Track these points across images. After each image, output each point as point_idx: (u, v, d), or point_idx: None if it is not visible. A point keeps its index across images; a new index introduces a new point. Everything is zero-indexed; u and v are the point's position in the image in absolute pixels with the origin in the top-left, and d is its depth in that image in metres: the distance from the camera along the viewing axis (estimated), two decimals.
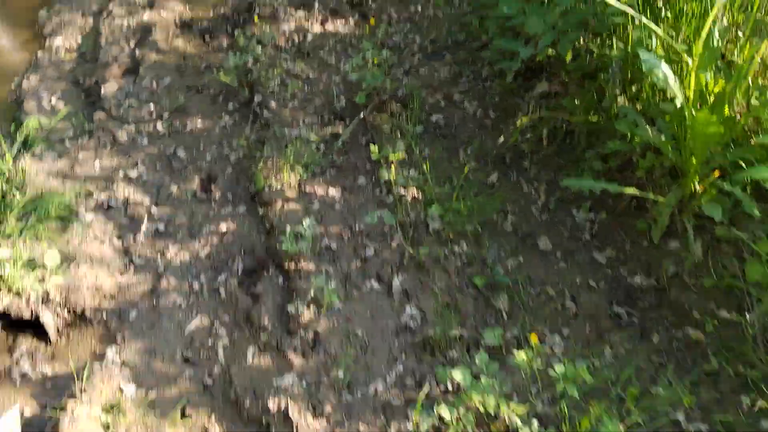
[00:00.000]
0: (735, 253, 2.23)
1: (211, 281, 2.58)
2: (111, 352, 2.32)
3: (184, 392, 2.21)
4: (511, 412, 1.89)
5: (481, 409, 1.89)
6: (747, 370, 2.02)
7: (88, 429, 2.04)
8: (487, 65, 3.39)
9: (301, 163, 2.89)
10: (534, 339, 2.01)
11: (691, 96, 2.09)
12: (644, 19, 2.09)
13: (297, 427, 2.04)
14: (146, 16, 4.23)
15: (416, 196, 2.68)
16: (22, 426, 2.04)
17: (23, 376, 2.32)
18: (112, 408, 2.13)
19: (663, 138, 2.19)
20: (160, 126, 3.37)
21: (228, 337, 2.38)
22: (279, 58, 3.63)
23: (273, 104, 3.32)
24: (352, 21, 4.01)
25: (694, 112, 2.05)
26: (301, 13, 4.06)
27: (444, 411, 1.90)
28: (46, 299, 2.46)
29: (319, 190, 2.82)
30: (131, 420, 2.11)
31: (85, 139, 3.30)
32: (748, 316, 2.09)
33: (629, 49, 2.33)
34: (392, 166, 2.67)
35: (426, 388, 2.07)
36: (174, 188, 3.01)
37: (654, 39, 2.23)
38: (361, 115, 3.09)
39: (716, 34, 2.19)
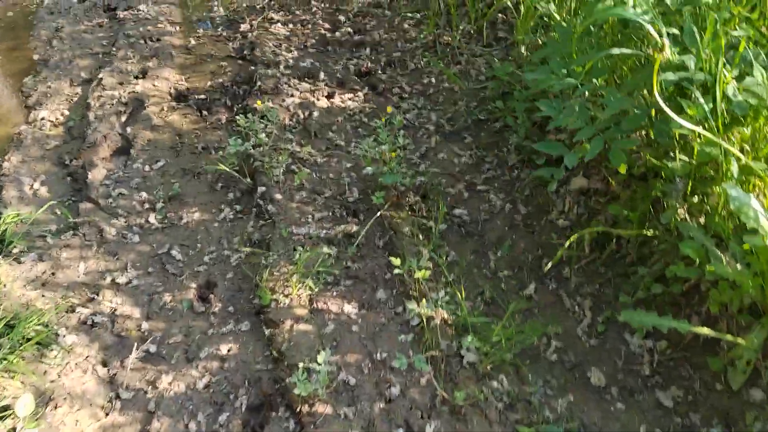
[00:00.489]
0: None
1: (210, 422, 2.22)
2: None
3: None
4: None
5: None
6: None
7: None
8: (514, 151, 3.09)
9: (312, 271, 2.56)
10: None
11: None
12: (722, 143, 1.80)
13: None
14: (139, 86, 3.94)
15: (446, 318, 2.34)
16: None
17: None
18: None
19: (742, 270, 1.87)
20: (152, 218, 3.04)
21: None
22: (283, 139, 3.32)
23: (278, 196, 3.00)
24: (361, 94, 3.72)
25: None
26: (305, 84, 3.77)
27: None
28: None
29: (333, 307, 2.49)
30: None
31: (69, 236, 2.96)
32: None
33: (694, 160, 2.03)
34: (417, 285, 2.34)
35: None
36: (168, 298, 2.67)
37: (725, 155, 1.93)
38: (378, 214, 2.76)
39: None
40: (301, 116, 3.53)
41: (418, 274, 2.29)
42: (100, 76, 4.05)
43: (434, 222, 2.77)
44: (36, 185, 3.32)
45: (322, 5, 4.66)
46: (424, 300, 2.28)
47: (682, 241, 2.02)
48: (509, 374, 2.21)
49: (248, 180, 3.14)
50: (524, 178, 2.97)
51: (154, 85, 3.97)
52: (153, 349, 2.47)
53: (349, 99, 3.68)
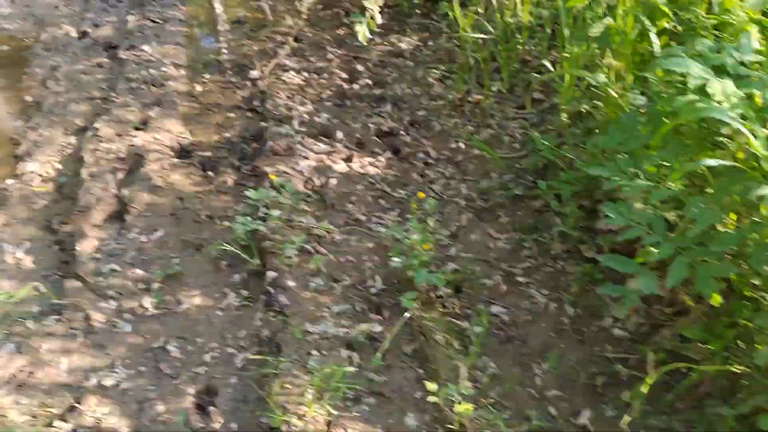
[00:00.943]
0: None
1: None
2: None
3: None
4: None
5: None
6: None
7: None
8: (557, 238, 2.74)
9: (330, 387, 2.20)
10: None
11: None
12: None
13: None
14: (138, 139, 3.59)
15: None
16: None
17: None
18: None
19: None
20: (147, 302, 2.68)
21: None
22: (297, 211, 2.97)
23: (291, 283, 2.65)
24: (383, 158, 3.38)
25: None
26: (321, 146, 3.43)
27: None
28: None
29: None
30: None
31: (53, 321, 2.60)
32: None
33: None
34: (457, 417, 1.98)
35: None
36: (161, 407, 2.30)
37: None
38: (406, 316, 2.41)
39: None
40: (317, 183, 3.19)
41: (459, 408, 1.94)
42: (97, 125, 3.71)
43: (471, 324, 2.42)
44: (19, 254, 2.96)
45: (339, 51, 4.34)
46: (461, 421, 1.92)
47: None
48: None
49: (257, 260, 2.79)
50: (570, 272, 2.63)
51: (155, 138, 3.62)
52: None
53: (369, 164, 3.34)
